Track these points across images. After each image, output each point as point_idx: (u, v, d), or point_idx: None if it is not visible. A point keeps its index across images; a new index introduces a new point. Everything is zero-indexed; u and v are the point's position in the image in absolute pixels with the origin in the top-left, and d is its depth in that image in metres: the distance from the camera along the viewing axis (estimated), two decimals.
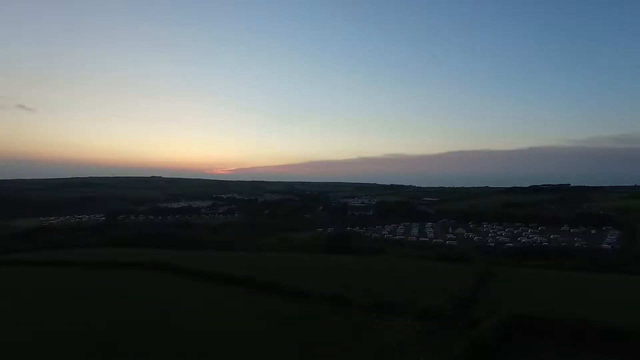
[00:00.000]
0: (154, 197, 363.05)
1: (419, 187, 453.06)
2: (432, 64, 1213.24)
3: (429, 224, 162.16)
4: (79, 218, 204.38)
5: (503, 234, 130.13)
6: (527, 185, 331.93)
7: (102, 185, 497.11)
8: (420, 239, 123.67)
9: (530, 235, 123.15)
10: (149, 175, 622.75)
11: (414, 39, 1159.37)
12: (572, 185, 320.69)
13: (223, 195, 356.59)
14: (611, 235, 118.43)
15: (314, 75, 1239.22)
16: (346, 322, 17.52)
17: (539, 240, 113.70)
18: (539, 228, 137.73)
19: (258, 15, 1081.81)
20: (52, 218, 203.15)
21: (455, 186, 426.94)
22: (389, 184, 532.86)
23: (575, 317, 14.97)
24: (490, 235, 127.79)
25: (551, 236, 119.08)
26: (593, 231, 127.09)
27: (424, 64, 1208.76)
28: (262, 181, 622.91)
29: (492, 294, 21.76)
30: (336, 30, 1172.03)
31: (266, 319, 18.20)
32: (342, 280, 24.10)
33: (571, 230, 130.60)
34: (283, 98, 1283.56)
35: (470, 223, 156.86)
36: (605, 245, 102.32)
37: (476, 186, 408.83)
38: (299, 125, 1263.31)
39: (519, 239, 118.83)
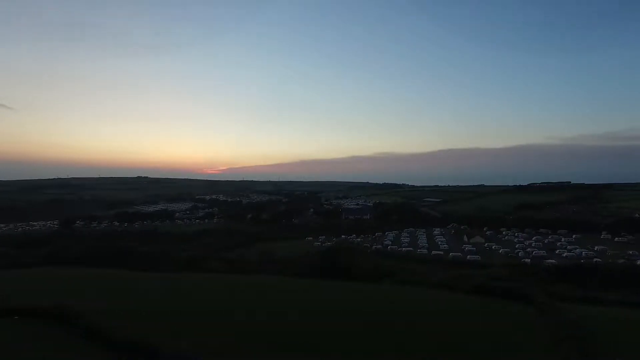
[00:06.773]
0: (132, 199, 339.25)
1: (412, 186, 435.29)
2: (422, 62, 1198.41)
3: (437, 230, 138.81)
4: (31, 226, 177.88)
5: (533, 244, 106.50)
6: (526, 184, 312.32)
7: (82, 186, 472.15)
8: (433, 251, 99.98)
9: (569, 247, 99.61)
10: (135, 176, 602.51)
11: (403, 38, 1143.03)
12: (572, 183, 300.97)
13: (206, 197, 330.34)
14: None
15: (304, 74, 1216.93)
16: None
17: (583, 254, 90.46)
18: (573, 236, 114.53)
19: (247, 14, 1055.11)
20: (2, 226, 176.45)
21: (449, 184, 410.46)
22: (381, 182, 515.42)
23: None
24: (517, 246, 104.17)
25: (596, 247, 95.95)
26: None
27: (414, 62, 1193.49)
28: (252, 181, 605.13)
29: None
30: (326, 29, 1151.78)
31: None
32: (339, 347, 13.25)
33: (615, 239, 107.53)
34: (273, 97, 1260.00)
35: (485, 229, 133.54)
36: None
37: (470, 184, 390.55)
38: (289, 124, 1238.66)
39: (557, 251, 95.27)
